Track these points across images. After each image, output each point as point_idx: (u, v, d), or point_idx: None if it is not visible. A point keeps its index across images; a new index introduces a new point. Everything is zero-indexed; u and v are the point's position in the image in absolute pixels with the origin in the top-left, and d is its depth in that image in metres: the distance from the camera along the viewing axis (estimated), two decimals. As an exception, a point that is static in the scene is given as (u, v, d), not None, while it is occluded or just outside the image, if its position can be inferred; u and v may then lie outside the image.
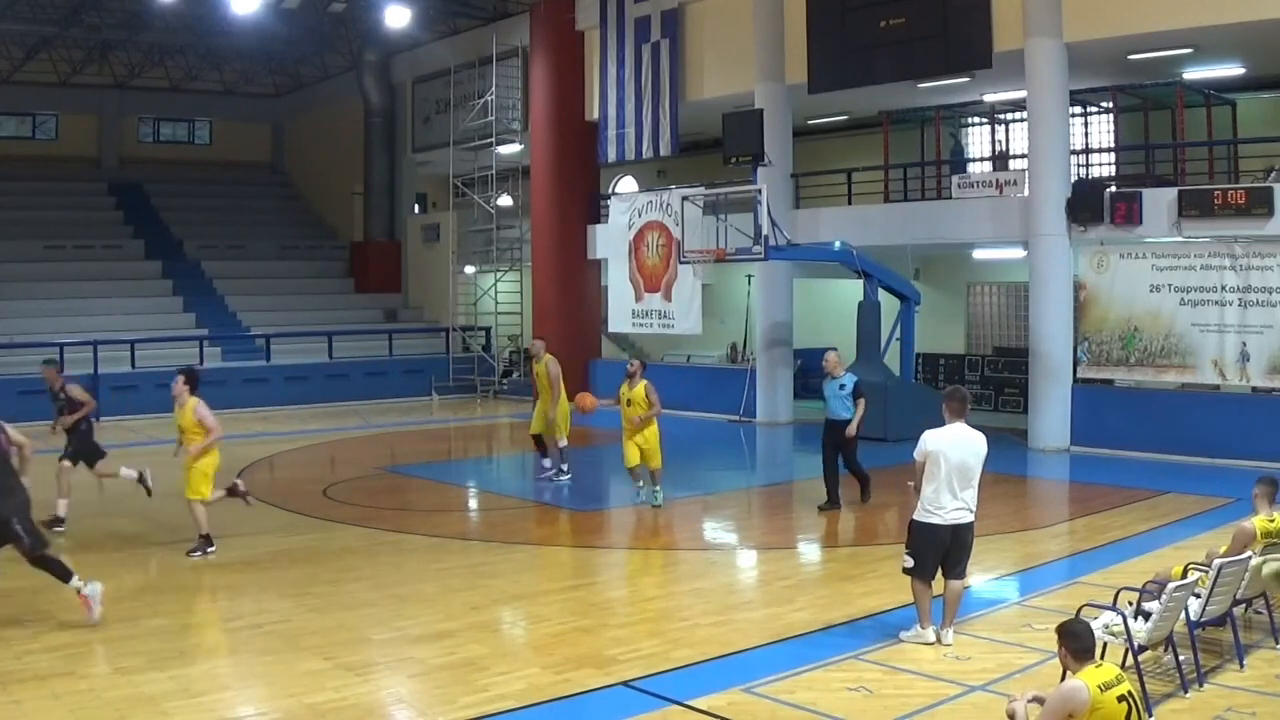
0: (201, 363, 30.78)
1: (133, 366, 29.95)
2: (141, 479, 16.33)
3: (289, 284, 37.84)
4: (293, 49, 37.06)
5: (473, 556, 14.39)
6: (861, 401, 16.15)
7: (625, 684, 9.35)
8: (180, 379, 14.61)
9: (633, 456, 16.59)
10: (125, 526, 16.20)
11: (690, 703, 8.83)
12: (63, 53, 38.44)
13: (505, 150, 33.66)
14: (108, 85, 41.43)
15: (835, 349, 17.38)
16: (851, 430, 16.15)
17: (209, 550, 14.08)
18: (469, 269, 36.99)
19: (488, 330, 36.29)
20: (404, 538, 15.41)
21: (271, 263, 38.74)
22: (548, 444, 19.04)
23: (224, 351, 32.49)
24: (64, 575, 11.09)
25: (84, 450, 16.44)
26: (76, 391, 16.68)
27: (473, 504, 18.68)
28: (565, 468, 18.88)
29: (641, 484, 17.05)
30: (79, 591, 10.97)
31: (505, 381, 34.17)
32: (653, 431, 16.46)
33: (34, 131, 41.97)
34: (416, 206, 40.55)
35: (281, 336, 33.35)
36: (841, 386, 16.22)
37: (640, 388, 16.29)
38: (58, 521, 15.55)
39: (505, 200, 34.71)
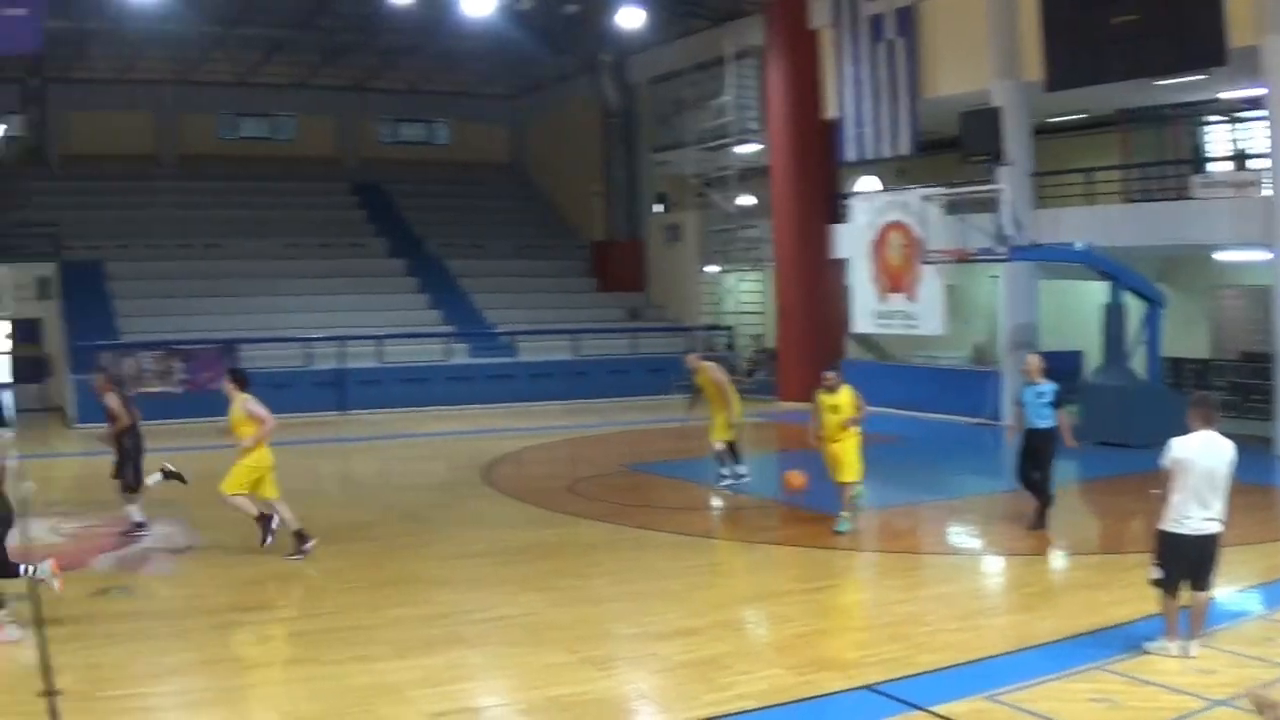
0: (448, 359, 31.91)
1: (379, 362, 31.11)
2: (167, 474, 15.84)
3: (531, 282, 38.48)
4: (527, 50, 38.02)
5: (715, 555, 14.54)
6: (1061, 411, 15.39)
7: (868, 688, 9.25)
8: (228, 379, 14.94)
9: (849, 467, 15.39)
10: (362, 516, 16.78)
11: (933, 709, 8.71)
12: (300, 55, 39.63)
13: (743, 150, 33.85)
14: (346, 87, 42.56)
15: (1039, 353, 16.84)
16: (1069, 440, 15.42)
17: (305, 548, 13.96)
18: (711, 268, 37.28)
19: (730, 330, 36.54)
20: (647, 534, 15.51)
21: (511, 261, 39.48)
22: (722, 450, 18.41)
23: (471, 348, 33.44)
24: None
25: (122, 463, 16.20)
26: (113, 402, 16.50)
27: (714, 502, 18.68)
28: (726, 472, 18.38)
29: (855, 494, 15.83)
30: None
31: (748, 381, 34.34)
32: (854, 440, 15.44)
33: (273, 132, 43.49)
34: (659, 206, 41.03)
35: (527, 334, 34.17)
36: (1040, 394, 15.41)
37: (845, 392, 15.37)
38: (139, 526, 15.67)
39: (746, 199, 34.91)
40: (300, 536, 14.08)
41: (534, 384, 32.43)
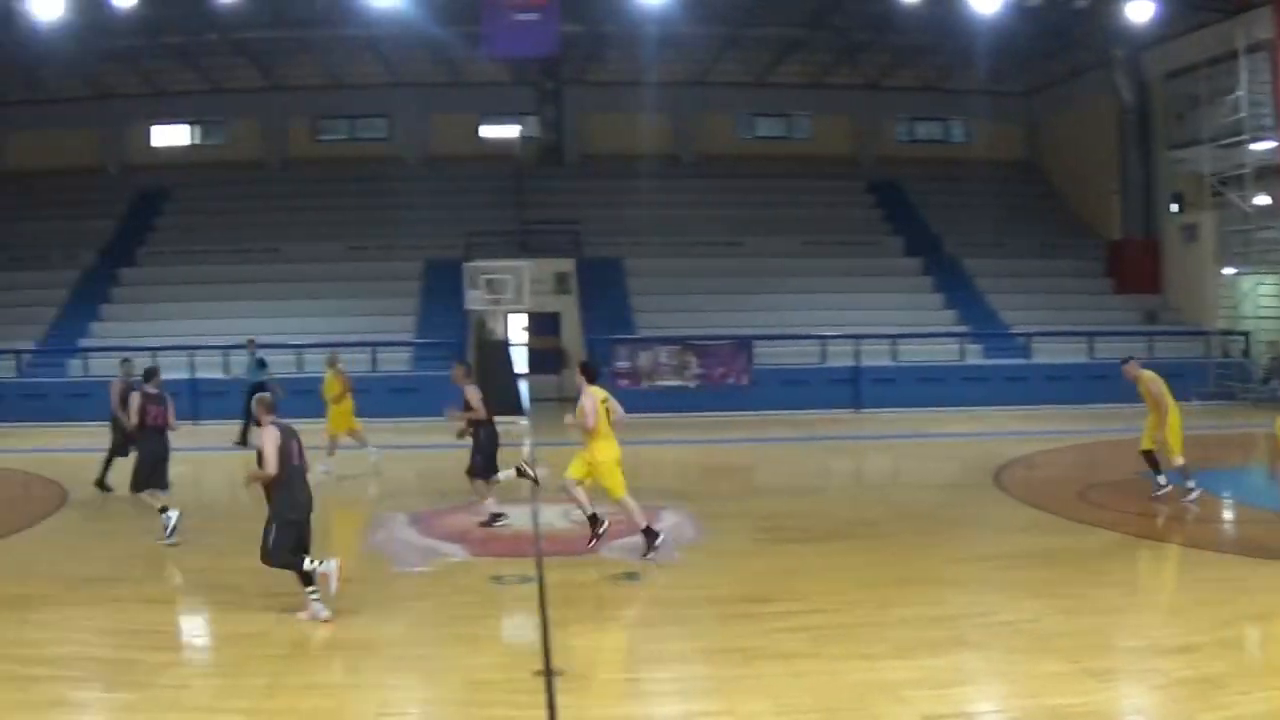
0: (962, 359, 31.15)
1: (893, 361, 30.72)
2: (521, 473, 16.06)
3: (1046, 283, 37.18)
4: (1040, 46, 36.50)
5: (1227, 570, 13.39)
6: None
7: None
8: (579, 371, 14.96)
9: None
10: (871, 514, 16.47)
11: None
12: (813, 55, 39.76)
13: (1258, 148, 31.39)
14: (860, 86, 42.46)
15: None
16: None
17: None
18: (1229, 270, 34.87)
19: (1246, 335, 34.10)
20: (1157, 545, 14.80)
21: (1030, 261, 38.24)
22: (1160, 463, 17.24)
23: (985, 349, 32.57)
24: None
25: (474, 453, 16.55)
26: (472, 396, 16.80)
27: (1227, 515, 17.40)
28: (1192, 485, 16.93)
29: None
30: None
31: (1263, 389, 31.86)
32: None
33: (789, 132, 43.89)
34: (1174, 205, 38.74)
35: (1042, 335, 32.95)
36: None
37: None
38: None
39: (1263, 199, 32.41)
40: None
41: (1048, 386, 31.28)
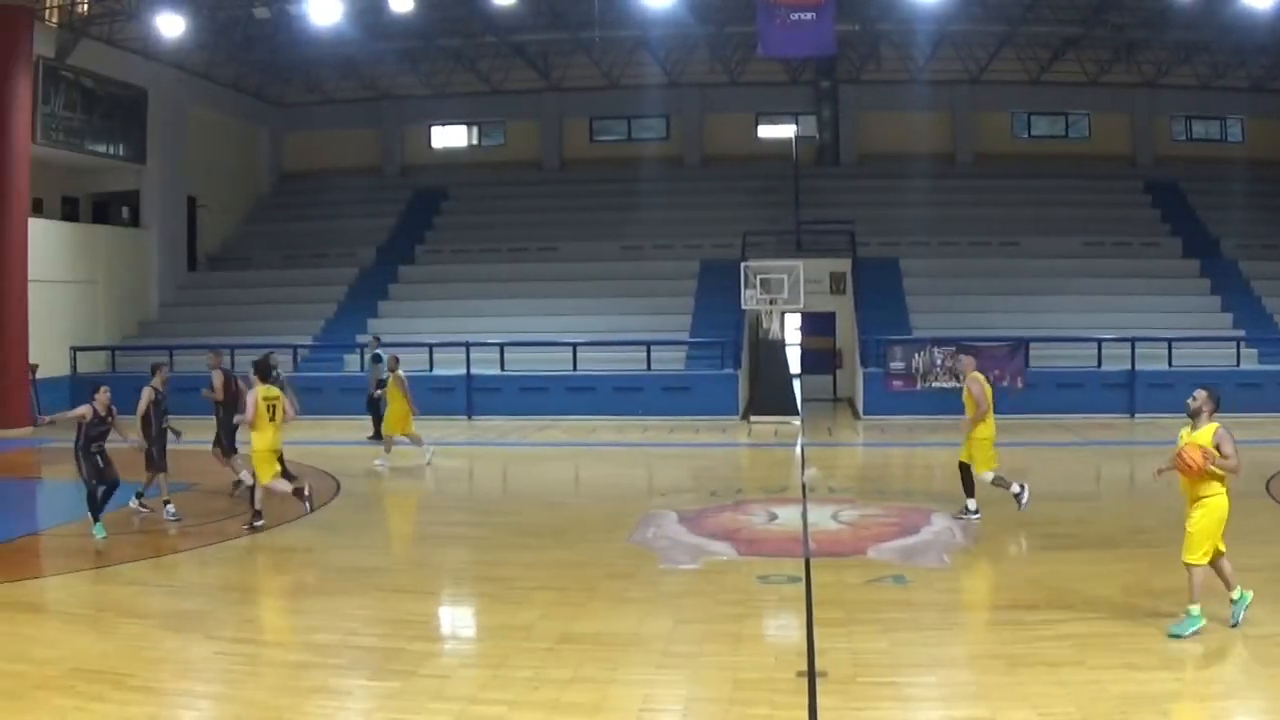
0: (1238, 364, 29.69)
1: (1169, 365, 29.49)
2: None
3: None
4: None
5: None
6: None
7: None
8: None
9: None
10: (1143, 522, 15.81)
11: None
12: (1090, 53, 38.62)
13: None
14: (1137, 84, 40.95)
15: None
16: None
17: (256, 525, 15.74)
18: None
19: None
20: None
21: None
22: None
23: (1260, 354, 30.99)
24: None
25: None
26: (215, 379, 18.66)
27: None
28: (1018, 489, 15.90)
29: None
30: None
31: None
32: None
33: (1066, 130, 42.62)
34: None
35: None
36: None
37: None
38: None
39: None
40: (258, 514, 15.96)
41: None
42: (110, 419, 16.00)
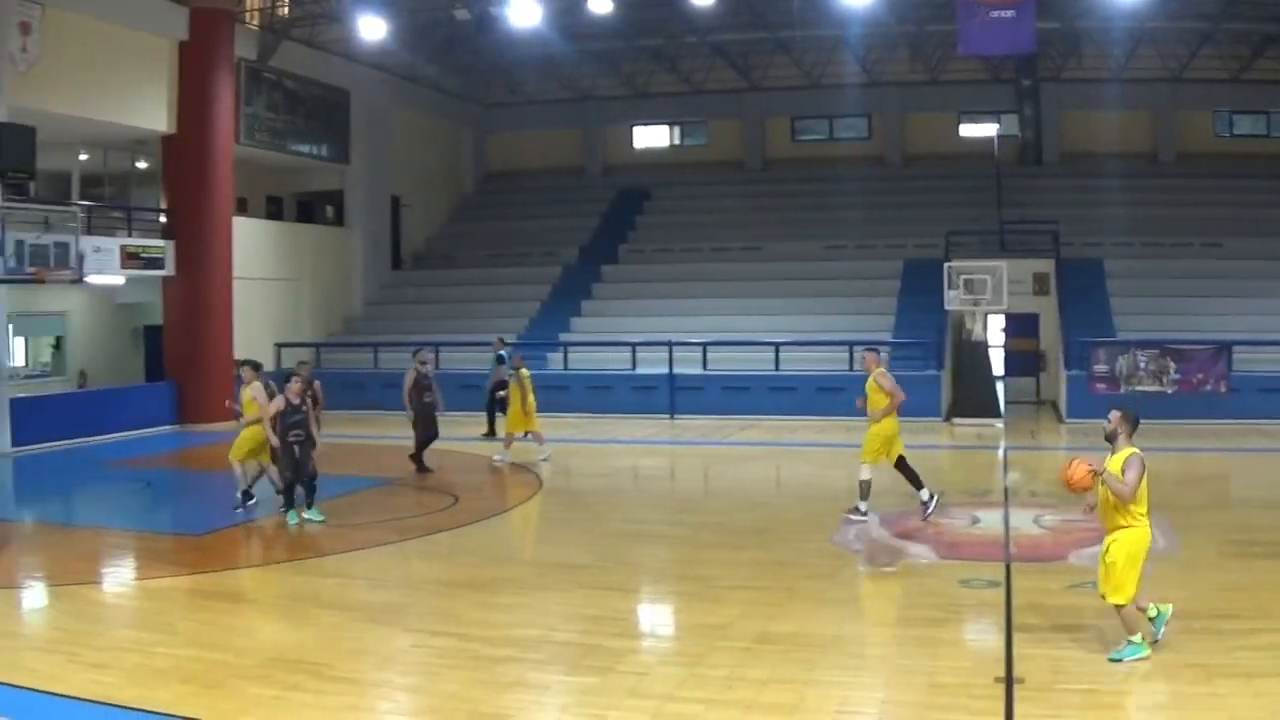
0: None
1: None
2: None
3: None
4: None
5: None
6: None
7: None
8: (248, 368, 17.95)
9: None
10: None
11: None
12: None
13: None
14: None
15: None
16: None
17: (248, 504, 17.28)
18: None
19: None
20: None
21: None
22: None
23: None
24: None
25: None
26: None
27: None
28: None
29: None
30: None
31: None
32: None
33: (1270, 129, 40.96)
34: None
35: None
36: None
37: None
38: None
39: None
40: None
41: None
42: (307, 406, 16.73)
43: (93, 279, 27.00)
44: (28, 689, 9.58)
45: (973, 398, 29.18)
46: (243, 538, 16.50)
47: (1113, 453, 10.28)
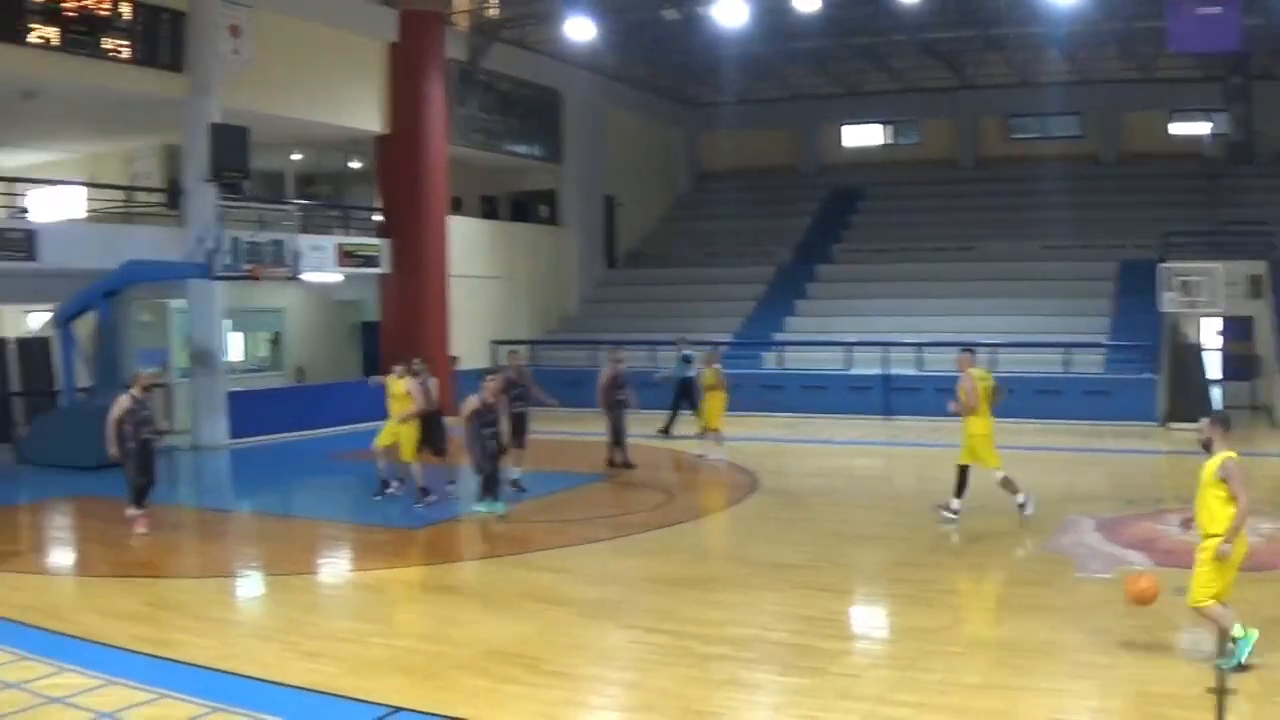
0: None
1: None
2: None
3: None
4: None
5: None
6: None
7: None
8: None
9: None
10: None
11: None
12: None
13: None
14: None
15: None
16: None
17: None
18: None
19: None
20: None
21: None
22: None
23: None
24: None
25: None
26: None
27: None
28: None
29: None
30: None
31: None
32: None
33: None
34: None
35: None
36: None
37: None
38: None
39: None
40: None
41: None
42: (501, 406, 17.44)
43: (308, 276, 27.98)
44: (245, 676, 10.09)
45: (1189, 402, 28.58)
46: (460, 532, 17.09)
47: (1209, 458, 10.37)
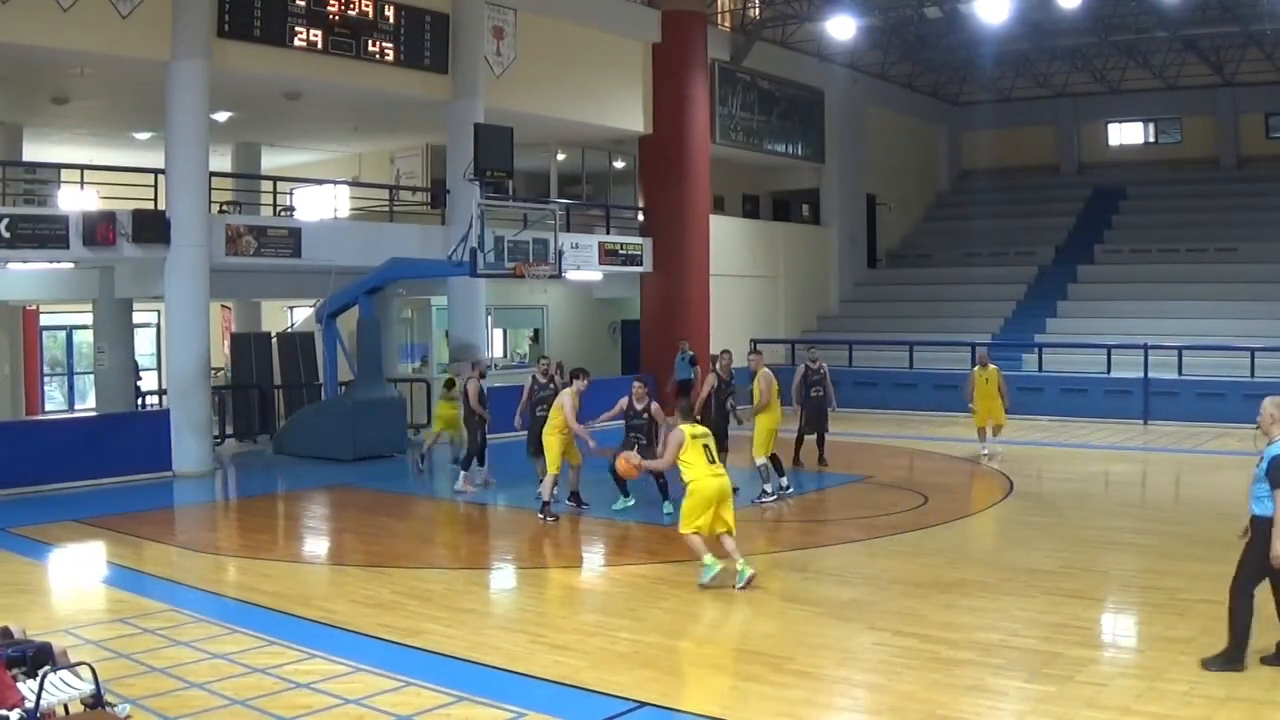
0: None
1: None
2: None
3: None
4: None
5: None
6: None
7: None
8: None
9: None
10: None
11: None
12: None
13: None
14: None
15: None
16: None
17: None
18: None
19: None
20: None
21: None
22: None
23: None
24: None
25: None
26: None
27: None
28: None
29: None
30: None
31: None
32: None
33: None
34: None
35: None
36: None
37: None
38: None
39: None
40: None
41: None
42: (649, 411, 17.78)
43: (571, 275, 28.13)
44: (492, 667, 10.30)
45: None
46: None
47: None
